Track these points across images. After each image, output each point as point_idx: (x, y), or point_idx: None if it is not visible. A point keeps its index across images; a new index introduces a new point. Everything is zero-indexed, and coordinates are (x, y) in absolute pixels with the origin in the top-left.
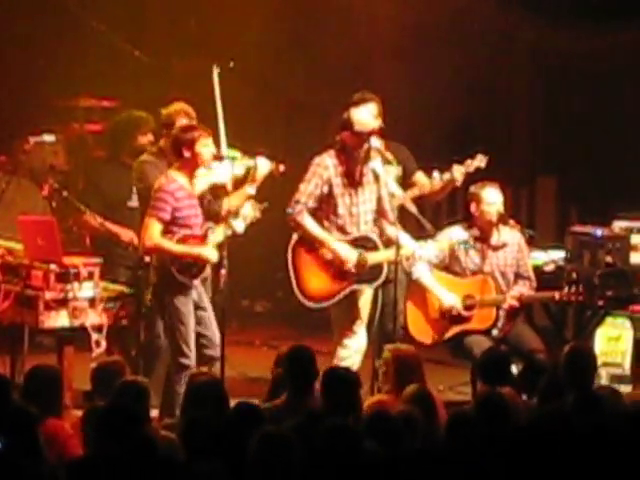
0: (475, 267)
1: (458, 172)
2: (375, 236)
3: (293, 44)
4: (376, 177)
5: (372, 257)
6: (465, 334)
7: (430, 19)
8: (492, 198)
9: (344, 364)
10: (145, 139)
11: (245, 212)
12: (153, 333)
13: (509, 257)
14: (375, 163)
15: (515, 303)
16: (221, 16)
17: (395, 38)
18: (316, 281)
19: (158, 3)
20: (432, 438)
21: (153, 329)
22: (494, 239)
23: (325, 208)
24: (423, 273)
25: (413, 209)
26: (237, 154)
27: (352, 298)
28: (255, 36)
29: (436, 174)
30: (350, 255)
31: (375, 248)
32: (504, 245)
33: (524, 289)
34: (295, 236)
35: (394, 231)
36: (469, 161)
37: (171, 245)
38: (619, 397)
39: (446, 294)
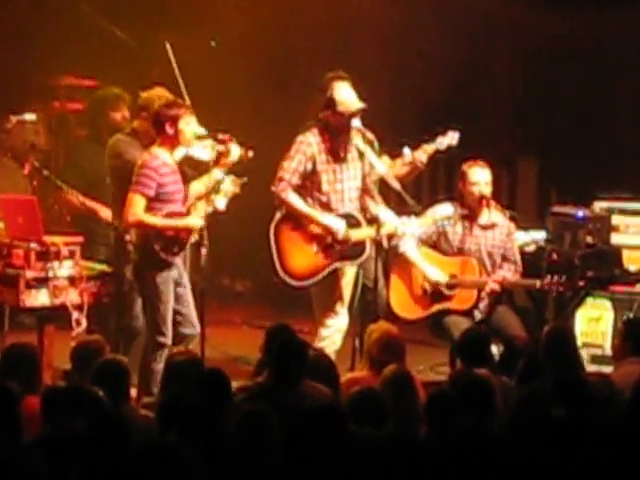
0: (460, 244)
1: (428, 149)
2: (358, 213)
3: (273, 24)
4: (360, 154)
5: (355, 234)
6: (446, 313)
7: (411, 2)
8: (476, 177)
9: (325, 343)
10: (118, 115)
11: (225, 188)
12: (131, 314)
13: (497, 238)
14: (358, 140)
15: (496, 287)
16: None
17: (376, 19)
18: (299, 259)
19: None
20: (411, 419)
21: (131, 310)
22: (484, 218)
23: (309, 185)
24: (409, 248)
25: (396, 185)
26: (203, 132)
27: (334, 277)
28: (236, 15)
29: (407, 151)
30: (339, 225)
31: (358, 225)
32: (494, 225)
33: (509, 273)
34: (278, 214)
35: (377, 208)
36: (440, 138)
37: (155, 220)
38: (610, 385)
39: (431, 269)
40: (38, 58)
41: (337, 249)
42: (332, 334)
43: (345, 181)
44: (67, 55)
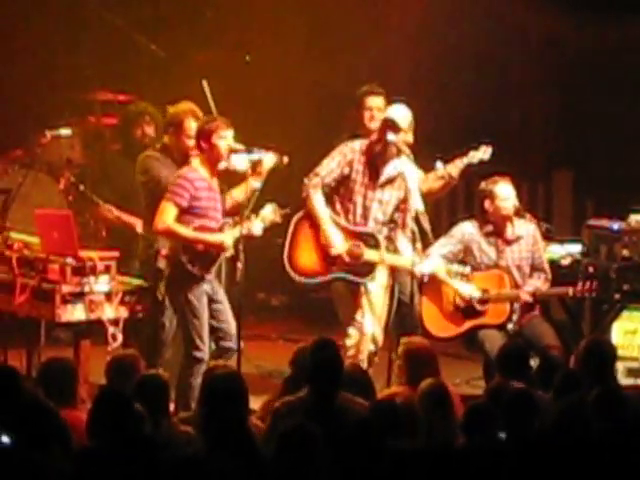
0: (490, 262)
1: (460, 164)
2: (380, 236)
3: (308, 40)
4: (403, 183)
5: (368, 253)
6: (479, 328)
7: (445, 12)
8: (506, 193)
9: (352, 352)
10: (138, 131)
11: (265, 213)
12: (157, 324)
13: (524, 250)
14: (404, 165)
15: (529, 299)
16: (237, 8)
17: (411, 35)
18: (307, 257)
19: None
20: (448, 432)
21: (157, 320)
22: (509, 233)
23: (342, 192)
24: (438, 267)
25: (427, 226)
26: (240, 147)
27: (351, 289)
28: (271, 27)
29: (439, 165)
30: (337, 242)
31: (375, 247)
32: (519, 238)
33: (539, 282)
34: (303, 211)
35: (400, 238)
36: (472, 153)
37: (184, 230)
38: None
39: (462, 284)
40: (73, 73)
41: (347, 261)
42: (357, 343)
43: (375, 201)
44: (102, 70)
